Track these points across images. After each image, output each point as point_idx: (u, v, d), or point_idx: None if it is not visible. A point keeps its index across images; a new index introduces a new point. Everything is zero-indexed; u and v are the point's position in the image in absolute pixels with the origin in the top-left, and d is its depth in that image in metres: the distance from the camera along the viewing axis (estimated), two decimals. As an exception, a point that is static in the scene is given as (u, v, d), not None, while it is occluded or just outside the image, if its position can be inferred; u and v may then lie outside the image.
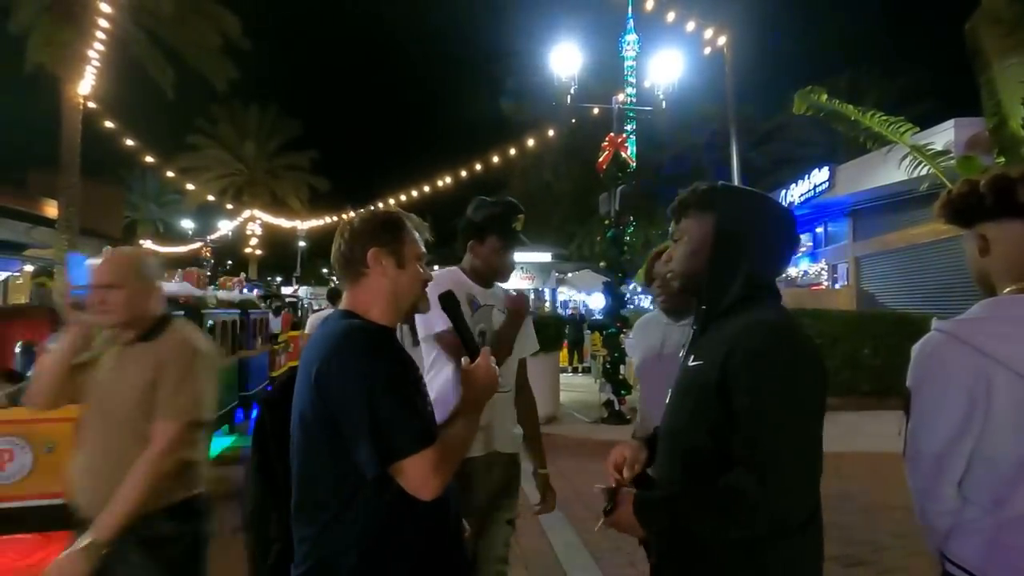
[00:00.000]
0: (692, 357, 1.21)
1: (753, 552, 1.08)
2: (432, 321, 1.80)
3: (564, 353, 12.20)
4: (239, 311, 6.94)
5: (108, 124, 14.16)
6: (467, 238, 1.98)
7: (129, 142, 14.85)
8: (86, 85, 13.13)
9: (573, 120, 10.56)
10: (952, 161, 6.39)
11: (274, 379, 8.12)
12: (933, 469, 1.15)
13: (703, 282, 1.21)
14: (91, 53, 12.01)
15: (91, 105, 13.68)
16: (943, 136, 9.47)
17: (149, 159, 16.14)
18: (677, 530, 1.12)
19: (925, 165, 6.46)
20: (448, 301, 1.36)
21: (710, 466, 1.09)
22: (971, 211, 1.22)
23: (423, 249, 1.33)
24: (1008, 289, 1.16)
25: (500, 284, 2.08)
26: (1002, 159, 6.01)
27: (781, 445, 1.03)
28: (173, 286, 5.55)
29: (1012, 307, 1.13)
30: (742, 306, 1.16)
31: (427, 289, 1.35)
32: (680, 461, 1.20)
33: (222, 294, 7.03)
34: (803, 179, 15.90)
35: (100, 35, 11.57)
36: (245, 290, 7.77)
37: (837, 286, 16.49)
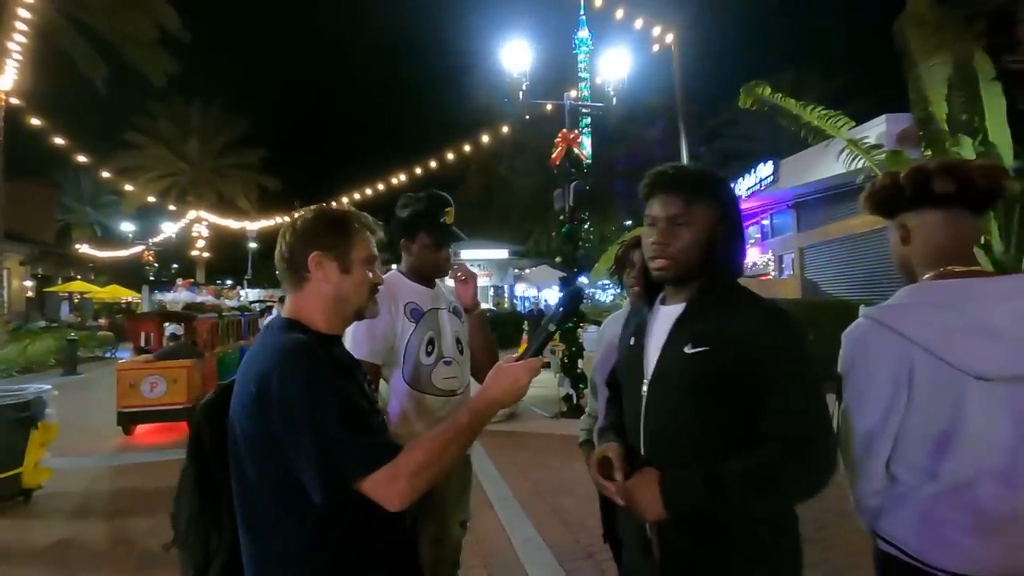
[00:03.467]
0: (690, 344, 1.17)
1: (778, 529, 1.19)
2: (354, 343, 1.71)
3: (523, 349, 12.24)
4: (239, 313, 10.09)
5: (35, 121, 13.27)
6: (399, 237, 1.92)
7: (59, 140, 13.96)
8: (7, 80, 12.26)
9: (527, 116, 10.58)
10: (885, 154, 6.73)
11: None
12: (862, 449, 1.20)
13: (701, 269, 1.21)
14: (12, 46, 11.22)
15: (15, 101, 12.80)
16: (876, 130, 9.97)
17: (82, 158, 15.22)
18: (713, 507, 1.10)
19: (861, 158, 6.77)
20: (574, 301, 1.33)
21: (720, 451, 1.12)
22: (892, 202, 1.28)
23: (373, 251, 1.26)
24: (927, 276, 1.22)
25: (443, 281, 2.03)
26: (929, 152, 6.36)
27: (821, 421, 1.12)
28: (203, 296, 8.79)
29: (931, 293, 1.19)
30: (731, 293, 1.22)
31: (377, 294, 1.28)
32: (687, 447, 1.17)
33: (227, 302, 10.56)
34: (750, 173, 16.45)
35: (21, 26, 10.81)
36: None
37: (783, 276, 17.17)
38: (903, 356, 1.13)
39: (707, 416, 1.16)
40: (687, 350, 1.17)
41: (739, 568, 1.16)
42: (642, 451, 1.24)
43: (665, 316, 1.28)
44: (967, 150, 5.70)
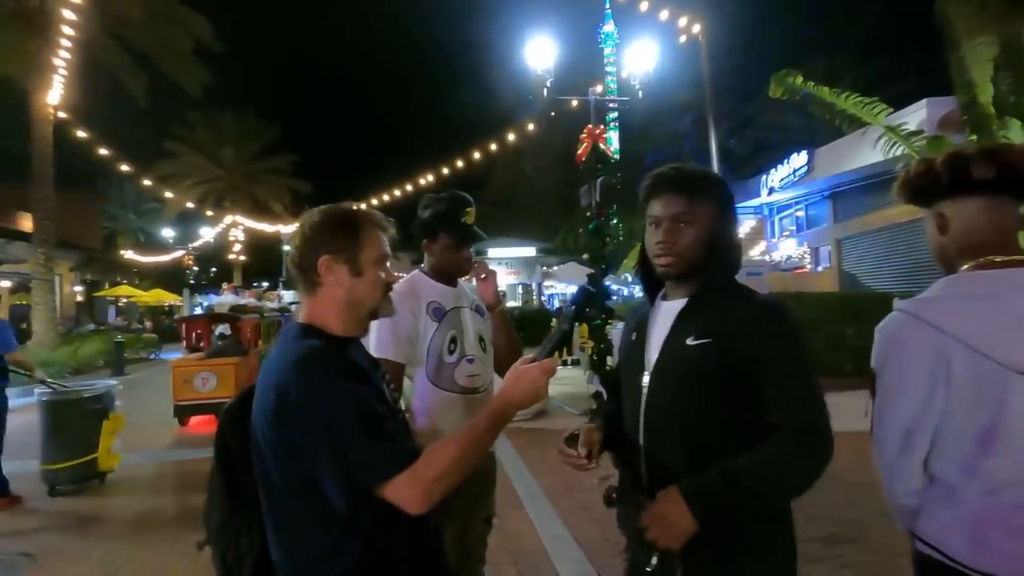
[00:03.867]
0: (692, 336, 1.21)
1: (779, 522, 1.23)
2: (379, 343, 1.75)
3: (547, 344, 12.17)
4: (279, 313, 11.11)
5: (81, 133, 13.86)
6: (420, 238, 1.95)
7: (103, 151, 14.54)
8: (55, 94, 12.85)
9: (552, 113, 10.53)
10: (926, 141, 6.46)
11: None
12: (898, 448, 1.16)
13: (702, 265, 1.26)
14: (58, 62, 11.75)
15: (62, 115, 13.40)
16: (916, 116, 9.59)
17: (125, 167, 15.83)
18: (734, 504, 1.13)
19: (900, 145, 6.53)
20: (586, 298, 1.32)
21: (717, 442, 1.17)
22: (929, 190, 1.22)
23: (385, 249, 1.24)
24: (966, 267, 1.17)
25: (465, 280, 2.04)
26: (974, 136, 6.08)
27: (820, 411, 1.17)
28: (246, 299, 9.60)
29: (969, 284, 1.14)
30: (730, 288, 1.28)
31: (392, 293, 1.27)
32: (686, 438, 1.21)
33: (268, 304, 11.34)
34: (783, 163, 16.04)
35: (66, 43, 11.32)
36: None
37: (820, 269, 16.68)
38: (940, 351, 1.09)
39: (706, 407, 1.20)
40: (690, 342, 1.22)
41: (740, 557, 1.18)
42: (641, 442, 1.28)
43: (667, 311, 1.32)
44: (1016, 134, 5.43)
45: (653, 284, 1.39)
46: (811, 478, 1.15)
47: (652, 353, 1.29)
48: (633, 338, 1.37)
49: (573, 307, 1.28)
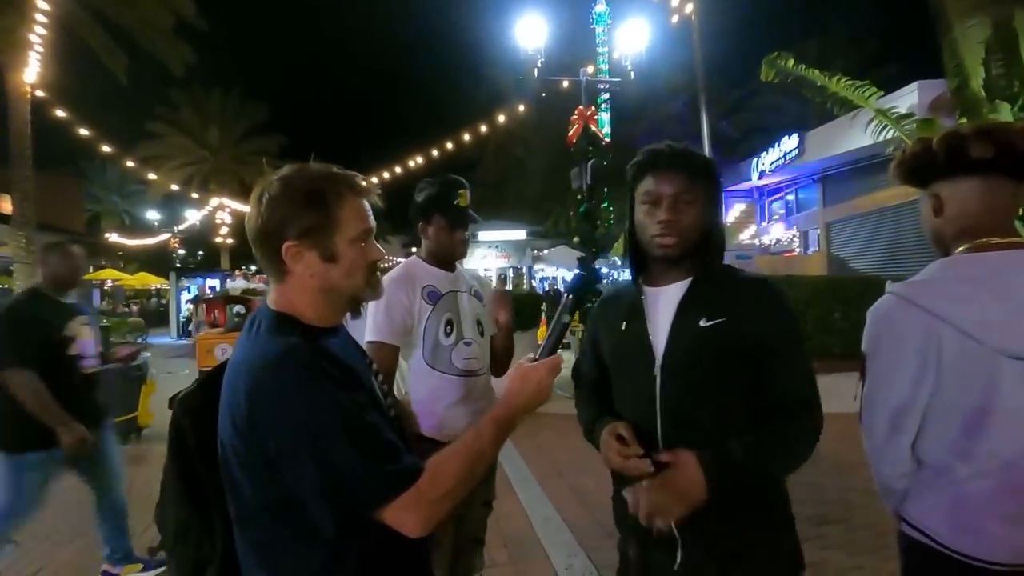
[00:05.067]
0: (705, 318, 1.18)
1: (781, 484, 1.26)
2: (375, 325, 1.74)
3: (543, 330, 12.22)
4: None
5: (60, 113, 13.51)
6: (416, 222, 1.95)
7: (85, 131, 14.20)
8: (32, 72, 12.49)
9: (543, 94, 10.40)
10: (916, 124, 6.46)
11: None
12: (887, 431, 1.15)
13: (698, 247, 1.23)
14: (33, 38, 11.40)
15: (40, 94, 13.04)
16: (907, 99, 9.57)
17: (107, 149, 15.46)
18: (746, 483, 1.14)
19: (890, 128, 6.52)
20: (584, 286, 1.26)
21: (738, 422, 1.15)
22: (925, 171, 1.20)
23: (366, 223, 1.03)
24: (960, 249, 1.15)
25: (464, 265, 2.04)
26: (964, 120, 6.08)
27: (816, 387, 1.20)
28: (254, 283, 11.29)
29: (963, 267, 1.12)
30: (723, 268, 1.27)
31: (382, 274, 1.14)
32: (708, 422, 1.17)
33: None
34: (774, 147, 16.00)
35: (41, 19, 10.97)
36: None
37: (809, 252, 16.78)
38: (930, 334, 1.07)
39: (727, 388, 1.18)
40: (703, 324, 1.19)
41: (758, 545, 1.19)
42: (659, 433, 1.20)
43: (668, 296, 1.26)
44: (1006, 117, 5.43)
45: (637, 269, 1.34)
46: (812, 449, 1.18)
47: (659, 340, 1.22)
48: (624, 327, 1.29)
49: (570, 296, 1.20)
